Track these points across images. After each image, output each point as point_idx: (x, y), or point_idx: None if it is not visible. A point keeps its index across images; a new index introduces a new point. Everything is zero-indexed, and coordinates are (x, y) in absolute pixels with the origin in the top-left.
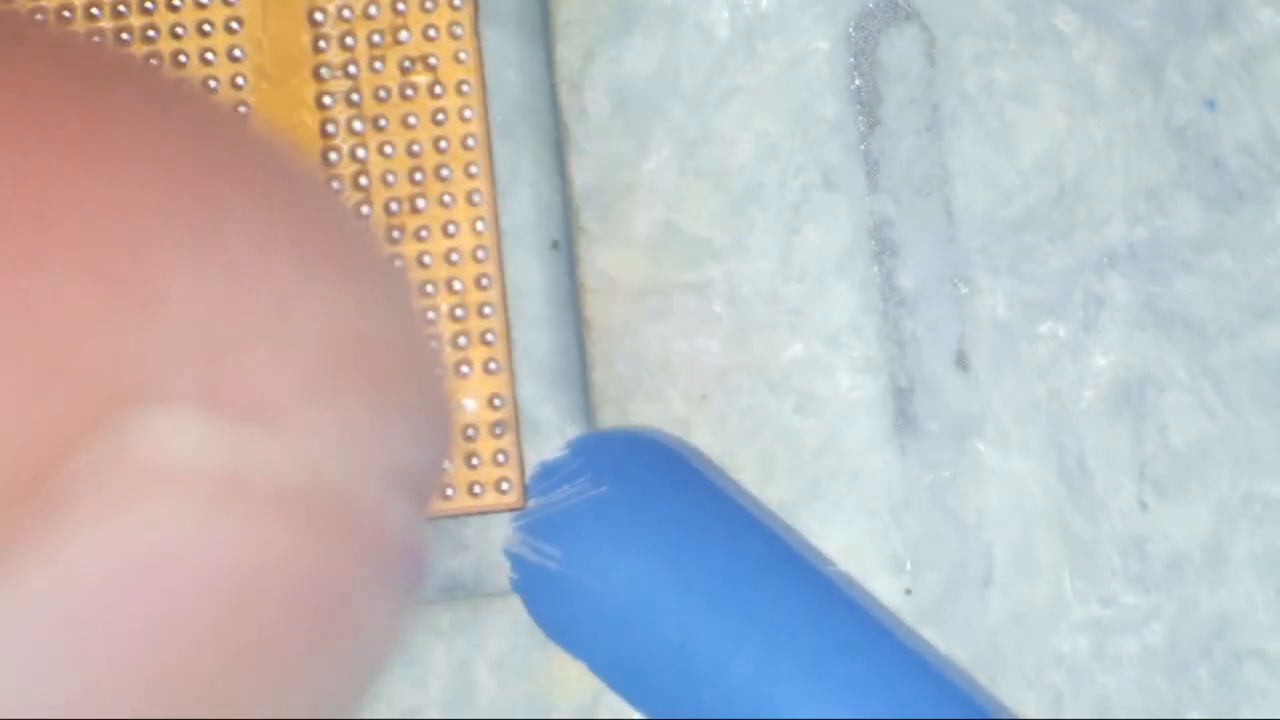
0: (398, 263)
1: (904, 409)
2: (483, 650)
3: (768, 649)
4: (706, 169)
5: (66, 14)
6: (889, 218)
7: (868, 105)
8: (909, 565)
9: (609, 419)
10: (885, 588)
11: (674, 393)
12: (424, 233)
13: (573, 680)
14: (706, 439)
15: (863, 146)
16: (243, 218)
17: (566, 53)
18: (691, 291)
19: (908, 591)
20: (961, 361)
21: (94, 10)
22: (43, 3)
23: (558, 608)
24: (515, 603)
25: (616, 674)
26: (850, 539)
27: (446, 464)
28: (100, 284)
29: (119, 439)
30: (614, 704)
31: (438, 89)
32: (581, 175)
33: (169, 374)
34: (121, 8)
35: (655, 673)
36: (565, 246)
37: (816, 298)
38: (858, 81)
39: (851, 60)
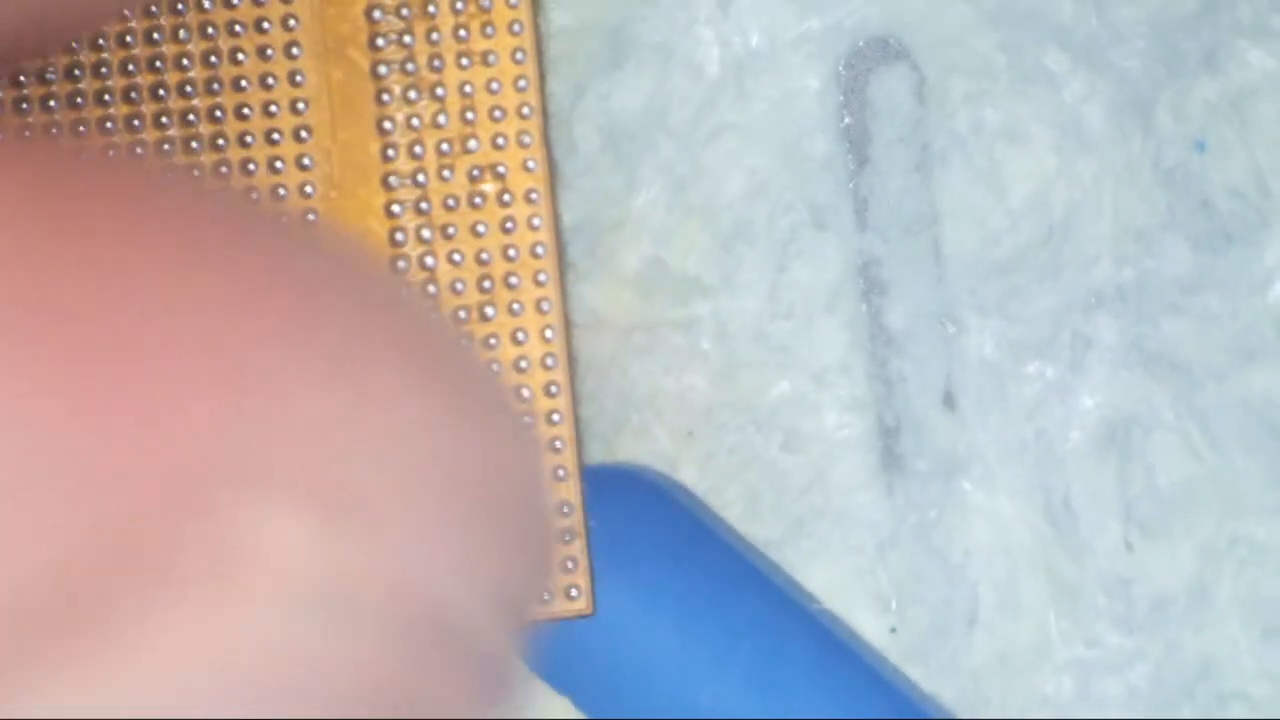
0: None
1: (891, 448)
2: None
3: (750, 686)
4: (695, 206)
5: (136, 122)
6: (877, 256)
7: (857, 144)
8: (894, 604)
9: (595, 454)
10: (870, 626)
11: (661, 429)
12: (493, 341)
13: (558, 715)
14: (693, 475)
15: (852, 185)
16: (371, 341)
17: (556, 88)
18: (679, 328)
19: (893, 630)
20: (949, 401)
21: (163, 119)
22: (111, 111)
23: (544, 643)
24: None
25: (601, 709)
26: (836, 577)
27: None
28: (229, 384)
29: (228, 526)
30: None
31: (506, 197)
32: (569, 210)
33: (281, 469)
34: (191, 116)
35: (639, 709)
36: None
37: (804, 335)
38: (847, 120)
39: (841, 98)
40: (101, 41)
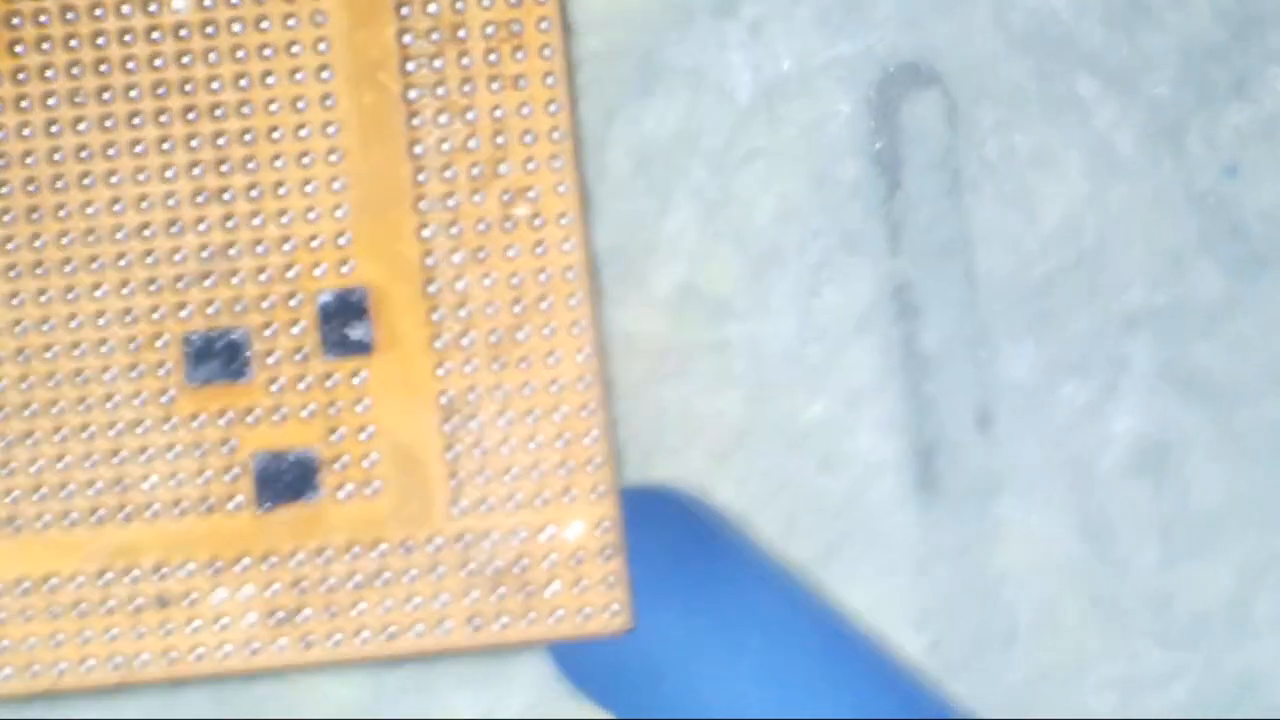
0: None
1: (926, 469)
2: (507, 701)
3: (789, 704)
4: (727, 230)
5: (166, 145)
6: (910, 280)
7: (889, 168)
8: (932, 624)
9: (630, 476)
10: (908, 646)
11: (695, 451)
12: (525, 363)
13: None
14: (728, 497)
15: (884, 210)
16: None
17: (587, 112)
18: (712, 350)
19: (930, 650)
20: (983, 422)
21: (193, 143)
22: (143, 133)
23: (583, 659)
24: (541, 654)
25: None
26: (872, 598)
27: (556, 586)
28: None
29: None
30: None
31: (538, 220)
32: (601, 234)
33: None
34: (222, 139)
35: None
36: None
37: (837, 358)
38: (879, 145)
39: (873, 123)
40: (132, 65)
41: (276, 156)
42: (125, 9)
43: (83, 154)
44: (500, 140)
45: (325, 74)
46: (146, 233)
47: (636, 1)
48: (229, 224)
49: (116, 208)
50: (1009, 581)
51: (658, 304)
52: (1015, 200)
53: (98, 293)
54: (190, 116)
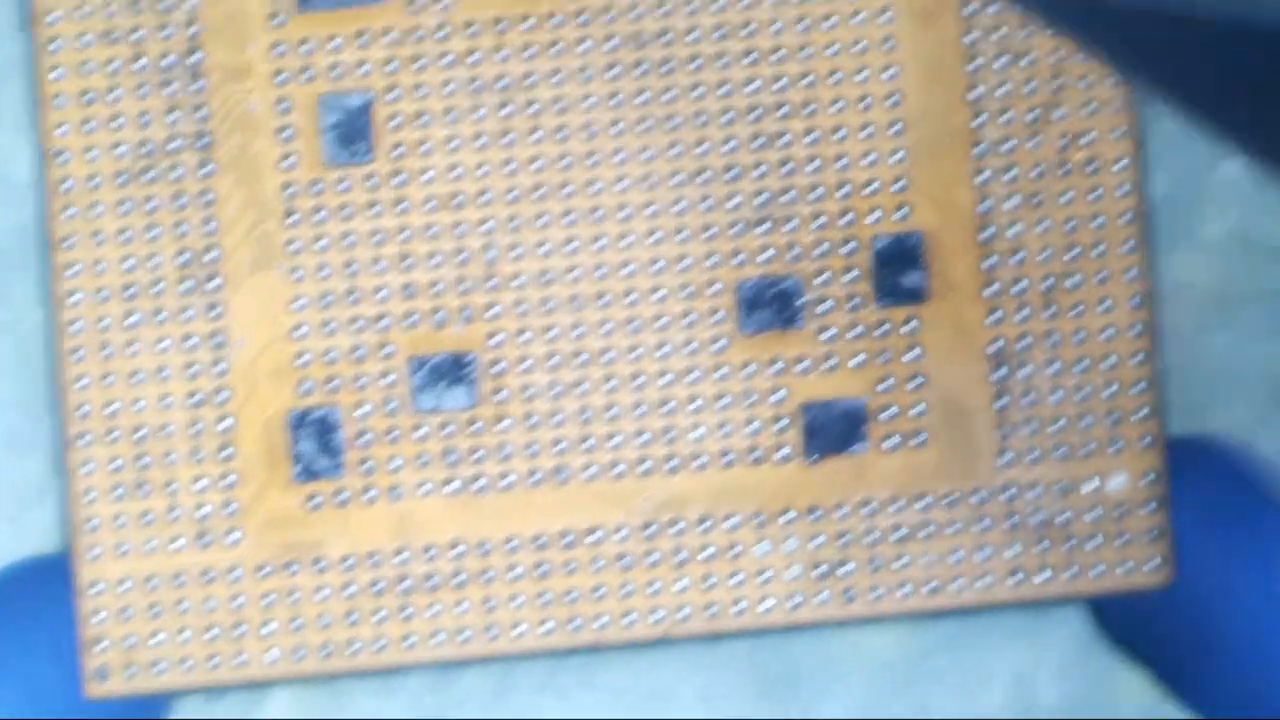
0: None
1: None
2: (1044, 656)
3: None
4: None
5: (725, 89)
6: None
7: None
8: None
9: (1178, 426)
10: None
11: (1241, 402)
12: (1078, 309)
13: (1135, 690)
14: (1275, 449)
15: None
16: None
17: None
18: (1265, 298)
19: None
20: None
21: (751, 87)
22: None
23: (1123, 614)
24: (1075, 611)
25: (1180, 678)
26: None
27: (1098, 539)
28: None
29: None
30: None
31: (1093, 165)
32: (1156, 181)
33: None
34: (779, 84)
35: (1218, 679)
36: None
37: None
38: None
39: None
40: (692, 8)
41: (835, 100)
42: None
43: (640, 99)
44: (1057, 85)
45: (885, 16)
46: (704, 178)
47: None
48: (785, 170)
49: (673, 153)
50: None
51: (1210, 251)
52: None
53: (653, 239)
54: (749, 60)
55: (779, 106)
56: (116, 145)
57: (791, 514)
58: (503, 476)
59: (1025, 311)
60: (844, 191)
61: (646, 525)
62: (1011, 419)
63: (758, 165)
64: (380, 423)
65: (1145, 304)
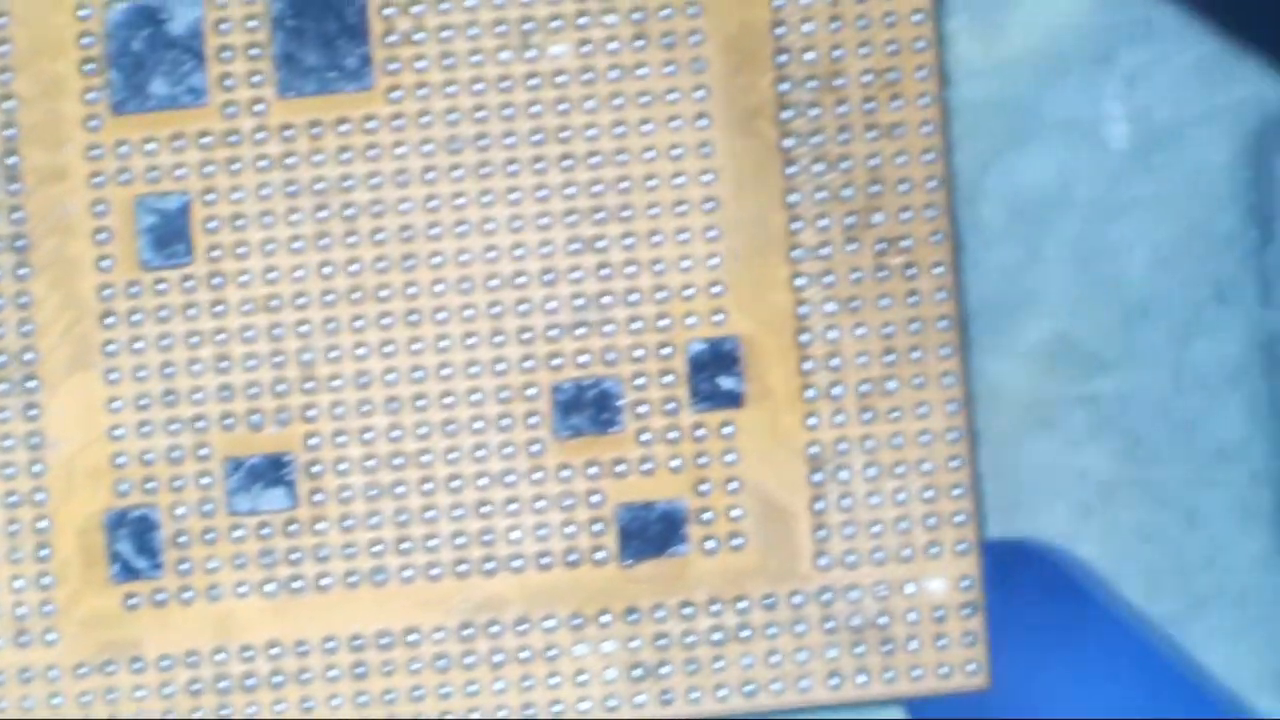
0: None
1: None
2: None
3: None
4: (1099, 280)
5: (541, 193)
6: None
7: (1263, 219)
8: None
9: (995, 529)
10: (1270, 707)
11: (1060, 505)
12: (895, 414)
13: None
14: (1092, 552)
15: (1257, 260)
16: None
17: (961, 161)
18: (1081, 404)
19: None
20: None
21: (569, 190)
22: (519, 180)
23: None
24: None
25: None
26: (1236, 655)
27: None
28: None
29: None
30: None
31: (911, 270)
32: (973, 284)
33: None
34: (596, 188)
35: None
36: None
37: (1207, 412)
38: (1254, 195)
39: (1249, 174)
40: (509, 112)
41: (651, 205)
42: (503, 55)
43: (458, 202)
44: (875, 189)
45: (702, 121)
46: (520, 281)
47: (1013, 51)
48: (603, 273)
49: (490, 255)
50: None
51: (1027, 356)
52: None
53: (469, 341)
54: (566, 164)
55: (595, 210)
56: None
57: (609, 616)
58: (320, 577)
59: (843, 416)
60: (661, 295)
61: (464, 626)
62: (829, 522)
63: (574, 269)
64: (198, 523)
65: (962, 409)
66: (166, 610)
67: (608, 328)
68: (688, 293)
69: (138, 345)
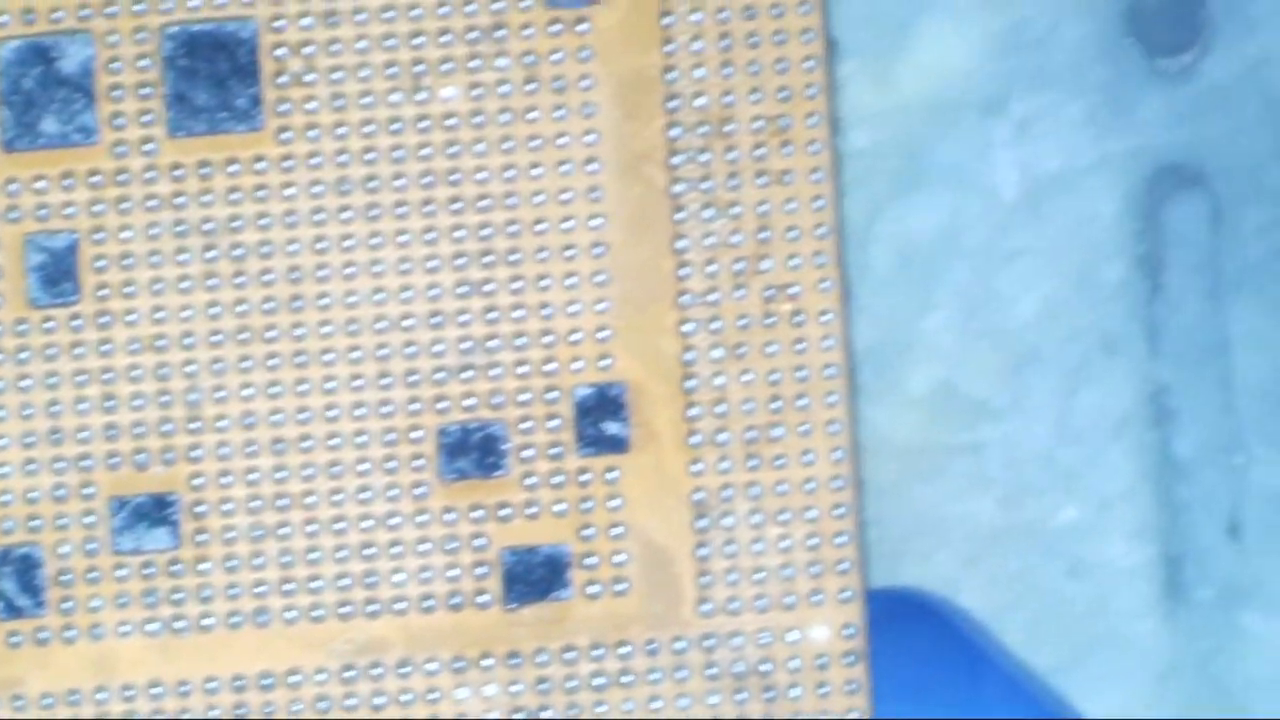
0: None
1: (1174, 577)
2: None
3: None
4: (986, 329)
5: (429, 235)
6: (1167, 384)
7: (1151, 270)
8: None
9: (879, 578)
10: None
11: (945, 554)
12: (781, 461)
13: None
14: (976, 601)
15: (1144, 311)
16: None
17: (851, 209)
18: (966, 452)
19: None
20: (1234, 531)
21: (457, 234)
22: (409, 224)
23: None
24: None
25: None
26: (1115, 706)
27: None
28: None
29: None
30: None
31: (799, 317)
32: (861, 332)
33: None
34: (485, 232)
35: None
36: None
37: (1092, 462)
38: (1142, 246)
39: (1137, 225)
40: (399, 155)
41: (540, 249)
42: (394, 97)
43: (346, 244)
44: (764, 236)
45: (592, 166)
46: (407, 324)
47: (904, 98)
48: (490, 317)
49: (378, 298)
50: (1253, 693)
51: (914, 404)
52: (1277, 304)
53: (356, 383)
54: (455, 207)
55: (484, 254)
56: None
57: (491, 659)
58: (203, 617)
59: (728, 462)
60: (548, 340)
61: (346, 668)
62: (713, 568)
63: (462, 312)
64: (81, 562)
65: (848, 456)
66: (49, 648)
67: (494, 371)
68: (575, 337)
69: (24, 383)
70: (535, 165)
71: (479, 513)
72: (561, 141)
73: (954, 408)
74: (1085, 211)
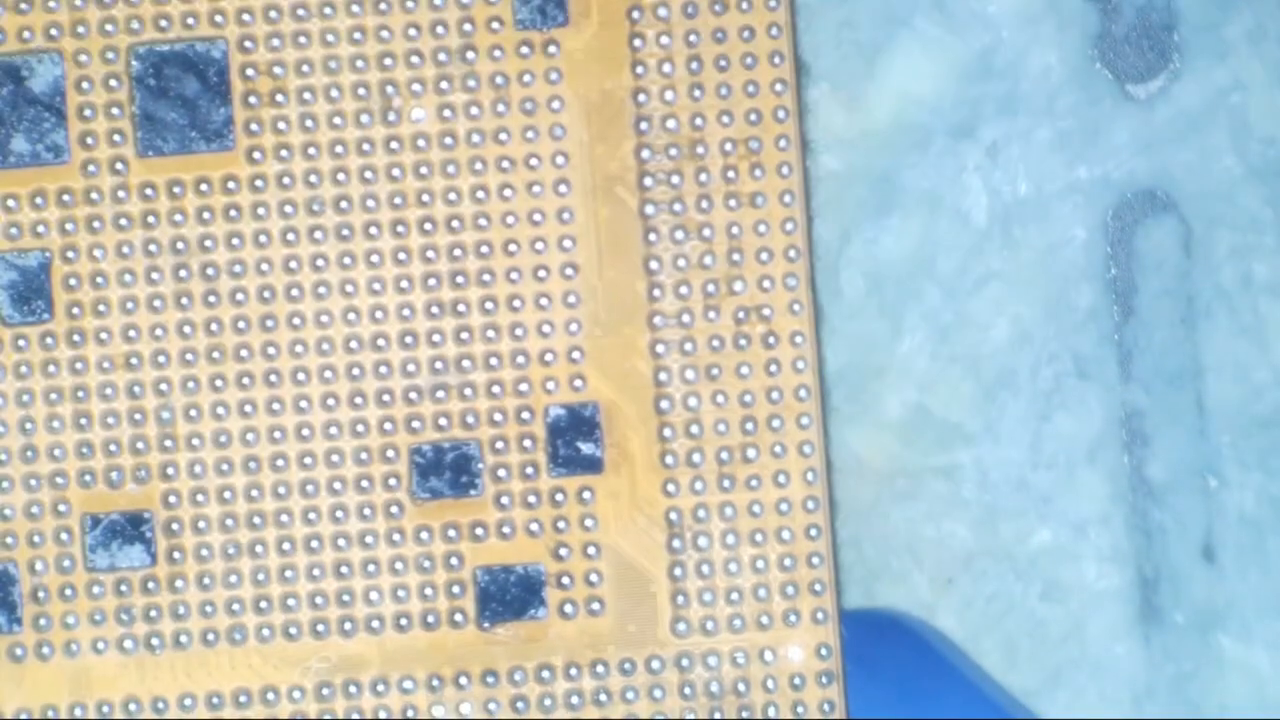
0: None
1: (1149, 599)
2: None
3: None
4: (959, 353)
5: (402, 256)
6: (1140, 408)
7: (1123, 295)
8: None
9: (854, 599)
10: None
11: (920, 576)
12: (754, 482)
13: None
14: (951, 623)
15: (1116, 336)
16: None
17: (823, 232)
18: (940, 475)
19: None
20: (1208, 554)
21: (429, 254)
22: (379, 244)
23: None
24: None
25: None
26: None
27: (772, 710)
28: None
29: None
30: None
31: (771, 339)
32: (834, 355)
33: None
34: (456, 252)
35: None
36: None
37: (1066, 486)
38: (1114, 271)
39: (1108, 249)
40: (370, 176)
41: (512, 270)
42: (364, 118)
43: (318, 263)
44: (736, 258)
45: (563, 188)
46: (380, 344)
47: (875, 122)
48: (462, 337)
49: (350, 318)
50: (1228, 715)
51: (887, 426)
52: (1249, 329)
53: (329, 402)
54: (426, 228)
55: (455, 274)
56: None
57: (466, 678)
58: (178, 635)
59: (701, 483)
60: (521, 360)
61: (321, 686)
62: (688, 588)
63: (434, 332)
64: (56, 579)
65: (821, 478)
66: (24, 665)
67: (467, 391)
68: (548, 358)
69: None
70: (506, 187)
71: (453, 532)
72: (532, 163)
73: (928, 431)
74: (1057, 236)
